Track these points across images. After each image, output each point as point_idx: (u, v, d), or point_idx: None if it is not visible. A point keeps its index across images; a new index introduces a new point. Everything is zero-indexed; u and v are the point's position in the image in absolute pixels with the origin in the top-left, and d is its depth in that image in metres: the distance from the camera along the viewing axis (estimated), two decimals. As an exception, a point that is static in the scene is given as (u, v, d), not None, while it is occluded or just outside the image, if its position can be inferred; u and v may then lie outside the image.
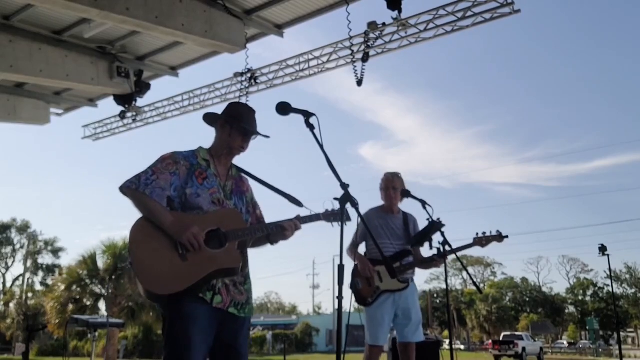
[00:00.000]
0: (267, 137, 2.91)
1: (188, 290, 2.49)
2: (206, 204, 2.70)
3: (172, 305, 2.55)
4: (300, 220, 2.84)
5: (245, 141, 2.86)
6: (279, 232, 2.79)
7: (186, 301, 2.52)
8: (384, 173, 4.82)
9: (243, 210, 2.87)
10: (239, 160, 2.98)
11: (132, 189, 2.64)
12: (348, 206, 2.67)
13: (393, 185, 4.70)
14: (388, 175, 4.76)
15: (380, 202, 4.83)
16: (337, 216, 2.81)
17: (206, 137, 2.95)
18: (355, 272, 4.62)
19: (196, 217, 2.65)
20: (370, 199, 5.14)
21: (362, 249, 4.72)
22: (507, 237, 4.52)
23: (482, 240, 4.50)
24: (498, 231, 4.52)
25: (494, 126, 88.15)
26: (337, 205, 2.77)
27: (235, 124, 2.83)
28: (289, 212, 2.88)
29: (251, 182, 3.02)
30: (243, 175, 2.99)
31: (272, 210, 2.94)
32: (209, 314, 2.57)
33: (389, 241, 4.59)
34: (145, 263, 2.53)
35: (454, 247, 4.45)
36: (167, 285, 2.49)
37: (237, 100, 9.70)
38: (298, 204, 2.88)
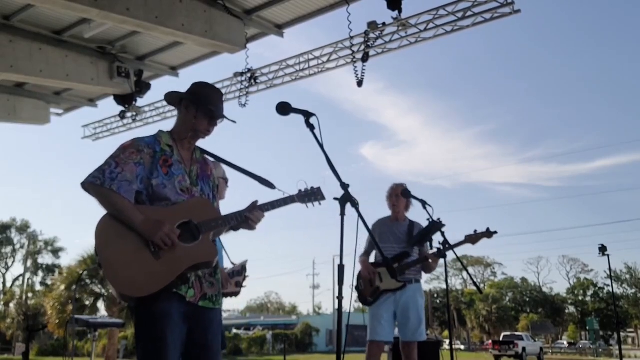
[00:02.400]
0: (234, 122, 2.75)
1: (163, 289, 2.38)
2: (173, 195, 2.55)
3: (144, 304, 2.40)
4: (274, 204, 2.67)
5: (212, 124, 2.70)
6: (244, 221, 2.63)
7: (159, 299, 2.38)
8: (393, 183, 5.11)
9: (210, 196, 2.72)
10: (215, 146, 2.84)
11: (97, 184, 2.45)
12: (348, 206, 2.60)
13: (395, 193, 4.97)
14: (393, 185, 5.05)
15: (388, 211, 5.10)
16: (312, 196, 2.70)
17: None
18: (359, 275, 4.95)
19: (166, 210, 2.50)
20: (371, 198, 5.25)
21: (372, 258, 5.06)
22: (495, 232, 4.67)
23: (472, 238, 4.65)
24: (487, 228, 4.67)
25: (495, 126, 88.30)
26: (310, 185, 2.71)
27: (202, 106, 2.66)
28: (261, 195, 2.73)
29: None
30: (206, 157, 2.82)
31: (246, 193, 2.79)
32: (181, 309, 2.44)
33: (391, 245, 4.84)
34: (116, 264, 2.39)
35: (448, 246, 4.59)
36: (142, 287, 2.36)
37: (235, 99, 9.72)
38: (270, 186, 2.73)
